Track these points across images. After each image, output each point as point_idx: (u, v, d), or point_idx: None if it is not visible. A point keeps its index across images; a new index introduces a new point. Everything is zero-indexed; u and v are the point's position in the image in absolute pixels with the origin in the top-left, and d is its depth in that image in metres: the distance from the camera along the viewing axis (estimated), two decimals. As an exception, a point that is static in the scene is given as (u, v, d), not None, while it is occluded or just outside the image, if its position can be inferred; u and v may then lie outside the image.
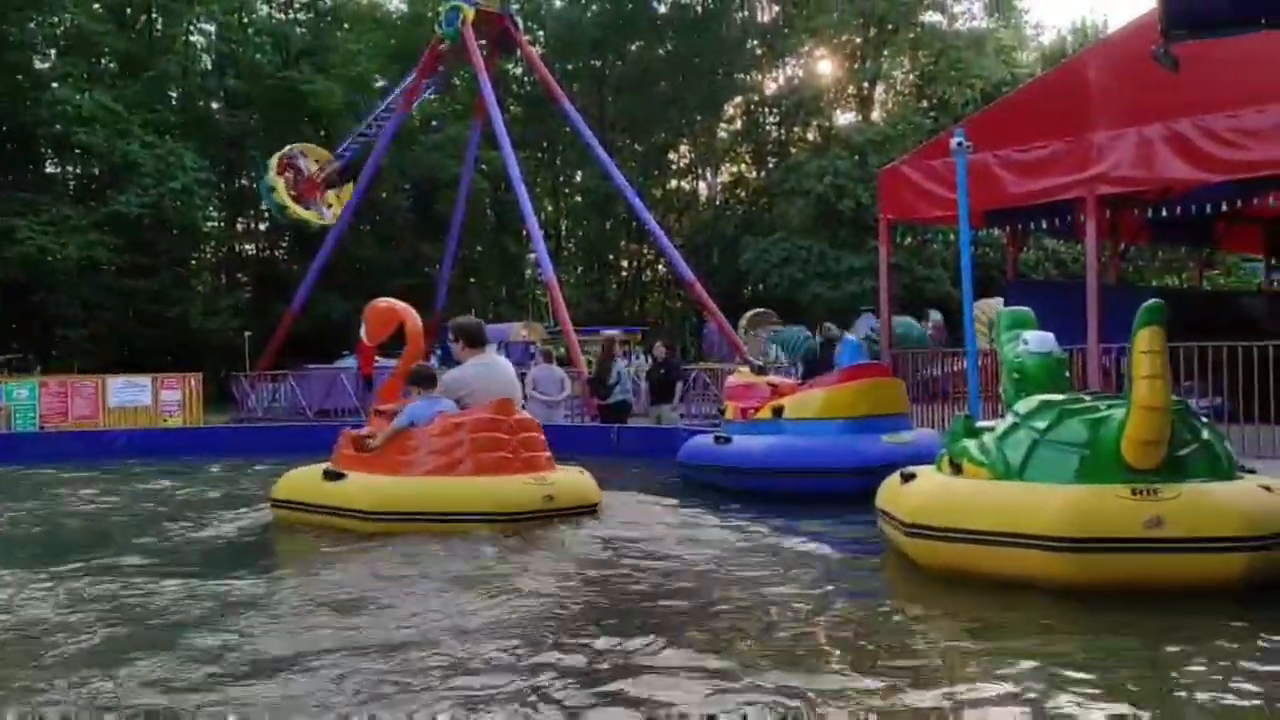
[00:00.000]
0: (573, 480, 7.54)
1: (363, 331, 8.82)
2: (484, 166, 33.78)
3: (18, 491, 10.77)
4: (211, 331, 33.91)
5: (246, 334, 29.35)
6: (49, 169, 37.67)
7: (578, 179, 47.48)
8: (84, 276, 31.81)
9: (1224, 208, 12.84)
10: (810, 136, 44.69)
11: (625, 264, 50.57)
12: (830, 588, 5.48)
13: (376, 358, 9.51)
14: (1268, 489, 5.13)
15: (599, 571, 5.82)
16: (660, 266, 47.71)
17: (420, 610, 4.88)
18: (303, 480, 7.84)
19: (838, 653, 4.24)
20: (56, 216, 31.14)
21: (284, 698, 3.65)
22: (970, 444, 5.72)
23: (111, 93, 33.29)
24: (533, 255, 37.82)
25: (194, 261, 38.47)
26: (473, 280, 42.39)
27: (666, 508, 8.50)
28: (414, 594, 5.27)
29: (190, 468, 12.76)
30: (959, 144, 7.40)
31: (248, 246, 42.53)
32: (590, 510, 7.48)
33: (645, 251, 47.59)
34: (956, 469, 5.82)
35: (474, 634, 4.44)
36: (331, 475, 7.53)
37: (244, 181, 39.88)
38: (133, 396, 20.18)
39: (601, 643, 4.27)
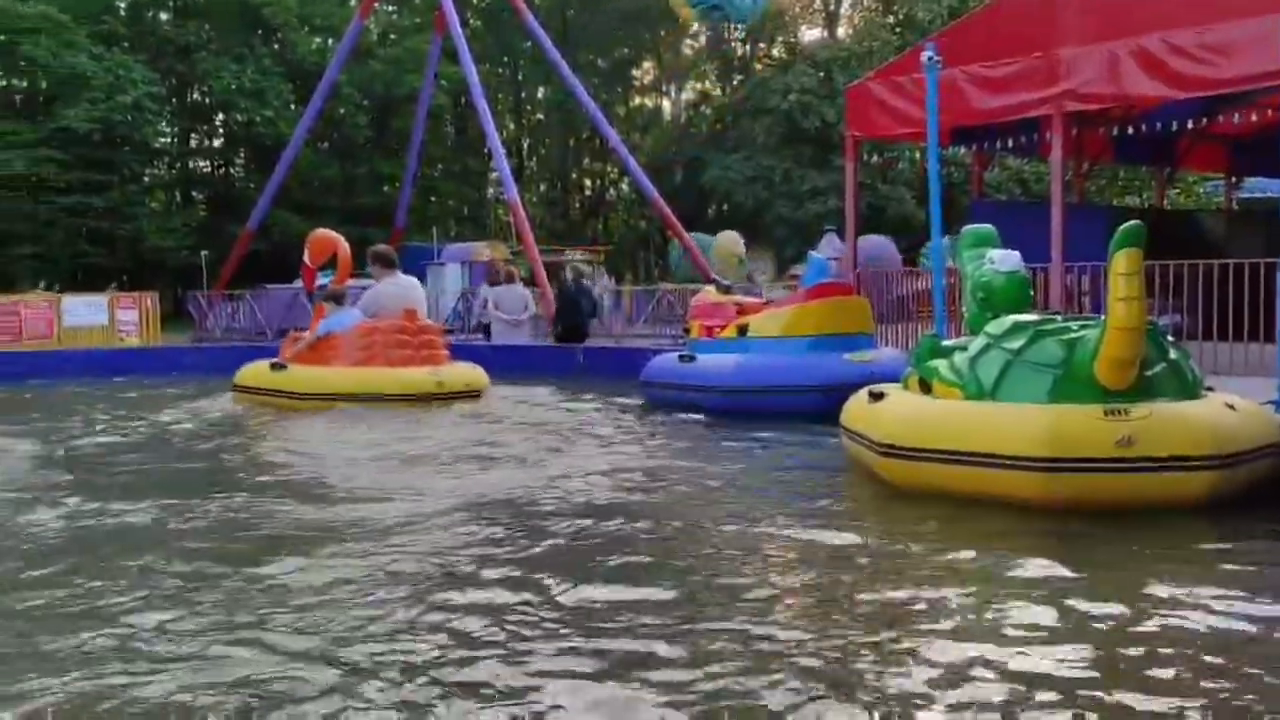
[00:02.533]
0: (462, 371, 9.85)
1: (306, 255, 10.95)
2: (444, 82, 32.97)
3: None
4: (166, 250, 33.15)
5: (203, 253, 28.69)
6: (-8, 82, 36.35)
7: (540, 95, 46.59)
8: (33, 194, 30.91)
9: (1190, 125, 12.74)
10: (776, 53, 44.03)
11: (588, 183, 49.98)
12: (797, 505, 5.44)
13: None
14: (1231, 407, 5.13)
15: (561, 489, 5.74)
16: (624, 185, 47.19)
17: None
18: (255, 370, 10.24)
19: (809, 575, 4.19)
20: (2, 130, 30.14)
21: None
22: (940, 364, 5.65)
23: (56, 2, 31.97)
24: (495, 174, 37.20)
25: (146, 179, 37.41)
26: (433, 199, 41.70)
27: (629, 425, 8.44)
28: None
29: (154, 385, 12.58)
30: (930, 58, 7.20)
31: (202, 164, 41.41)
32: (475, 395, 9.65)
33: (608, 170, 47.04)
34: (925, 388, 5.76)
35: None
36: (276, 366, 9.95)
37: (196, 95, 38.71)
38: (88, 316, 19.72)
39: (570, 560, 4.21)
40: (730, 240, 26.25)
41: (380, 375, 9.37)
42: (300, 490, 5.96)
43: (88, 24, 32.22)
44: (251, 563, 4.33)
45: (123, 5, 36.30)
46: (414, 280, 10.51)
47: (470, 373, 9.87)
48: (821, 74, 35.98)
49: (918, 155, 31.65)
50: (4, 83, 36.36)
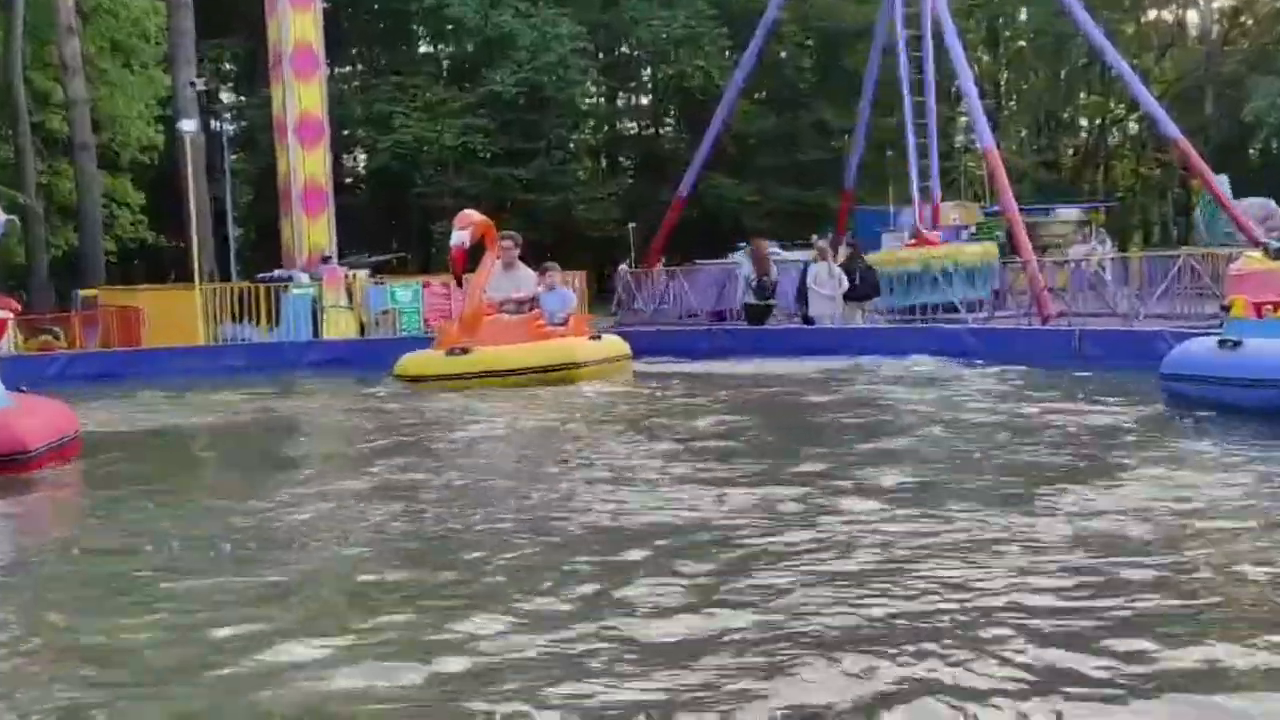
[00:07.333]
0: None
1: (466, 237, 12.84)
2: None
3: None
4: (592, 223, 35.53)
5: (630, 225, 30.50)
6: (422, 49, 40.93)
7: (1022, 18, 45.05)
8: (458, 167, 34.32)
9: None
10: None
11: (1084, 123, 47.67)
12: None
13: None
14: None
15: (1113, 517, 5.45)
16: (1131, 124, 44.50)
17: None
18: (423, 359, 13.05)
19: None
20: (432, 100, 33.80)
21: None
22: None
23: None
24: (964, 118, 36.42)
25: (572, 145, 40.11)
26: (889, 152, 41.57)
27: (1158, 431, 7.93)
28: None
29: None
30: None
31: (629, 125, 44.11)
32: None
33: (1111, 106, 44.55)
34: None
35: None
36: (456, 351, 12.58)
37: (624, 49, 41.22)
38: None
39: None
40: None
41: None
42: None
43: (513, -21, 35.42)
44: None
45: (546, -47, 39.56)
46: None
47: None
48: None
49: None
50: (430, 49, 40.87)
